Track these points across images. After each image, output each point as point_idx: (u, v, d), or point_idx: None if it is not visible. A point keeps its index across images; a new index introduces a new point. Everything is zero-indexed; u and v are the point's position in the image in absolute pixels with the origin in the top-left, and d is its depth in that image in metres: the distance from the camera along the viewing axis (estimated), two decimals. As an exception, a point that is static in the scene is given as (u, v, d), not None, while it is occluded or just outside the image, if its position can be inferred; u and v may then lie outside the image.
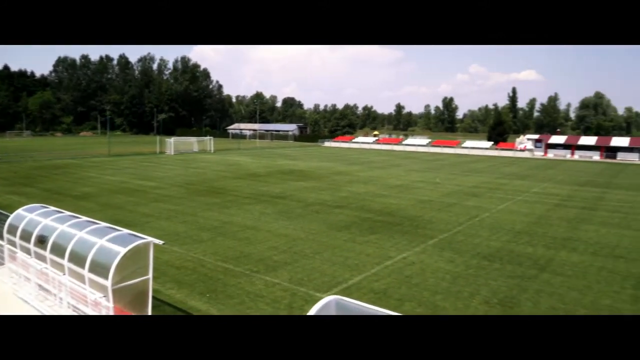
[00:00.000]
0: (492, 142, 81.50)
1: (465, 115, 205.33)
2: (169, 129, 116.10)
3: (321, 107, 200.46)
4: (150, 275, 8.90)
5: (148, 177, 34.13)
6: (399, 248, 15.97)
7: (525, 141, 75.32)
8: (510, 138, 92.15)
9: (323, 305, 6.24)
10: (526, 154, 71.11)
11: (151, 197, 25.29)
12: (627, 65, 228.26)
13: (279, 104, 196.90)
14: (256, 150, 70.03)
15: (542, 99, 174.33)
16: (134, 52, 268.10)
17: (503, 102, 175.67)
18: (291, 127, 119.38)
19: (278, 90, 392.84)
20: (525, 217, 22.04)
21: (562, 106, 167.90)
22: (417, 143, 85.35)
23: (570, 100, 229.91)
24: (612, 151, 66.15)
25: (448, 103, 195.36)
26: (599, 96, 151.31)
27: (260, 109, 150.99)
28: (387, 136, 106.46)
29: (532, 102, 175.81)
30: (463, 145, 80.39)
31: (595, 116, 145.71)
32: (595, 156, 66.73)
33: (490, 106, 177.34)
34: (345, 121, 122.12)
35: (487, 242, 17.18)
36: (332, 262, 14.17)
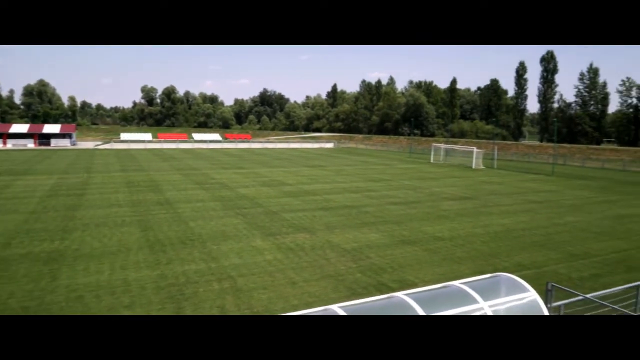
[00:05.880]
0: None
1: None
2: None
3: None
4: None
5: None
6: None
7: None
8: None
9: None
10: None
11: None
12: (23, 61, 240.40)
13: None
14: None
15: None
16: None
17: None
18: None
19: None
20: None
21: (3, 93, 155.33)
22: None
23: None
24: (47, 138, 67.67)
25: None
26: (42, 84, 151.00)
27: None
28: None
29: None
30: None
31: (42, 104, 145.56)
32: (30, 144, 66.01)
33: None
34: None
35: None
36: None
